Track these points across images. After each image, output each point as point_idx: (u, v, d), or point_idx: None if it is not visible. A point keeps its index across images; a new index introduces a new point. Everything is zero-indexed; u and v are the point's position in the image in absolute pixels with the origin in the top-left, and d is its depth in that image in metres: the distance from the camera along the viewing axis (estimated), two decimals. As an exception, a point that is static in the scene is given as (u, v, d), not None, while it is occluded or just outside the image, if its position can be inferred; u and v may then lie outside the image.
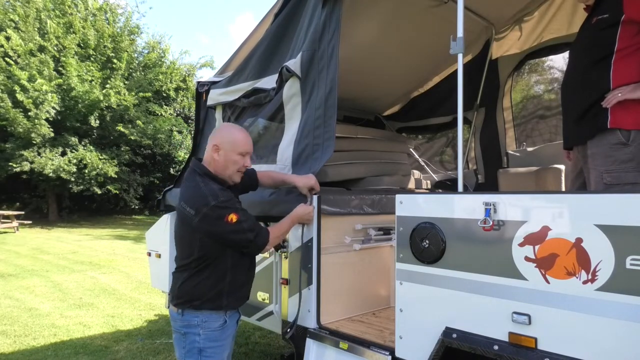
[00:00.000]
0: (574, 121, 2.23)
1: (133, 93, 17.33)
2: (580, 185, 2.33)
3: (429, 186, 4.58)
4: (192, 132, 6.98)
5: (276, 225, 2.30)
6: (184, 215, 2.00)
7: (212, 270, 2.04)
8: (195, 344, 2.03)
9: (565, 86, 2.32)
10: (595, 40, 2.10)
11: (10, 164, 14.92)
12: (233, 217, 1.94)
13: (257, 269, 2.83)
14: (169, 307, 2.24)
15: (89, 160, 15.63)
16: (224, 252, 2.05)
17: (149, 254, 3.88)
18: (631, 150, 1.98)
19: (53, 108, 15.09)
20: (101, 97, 15.99)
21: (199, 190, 1.97)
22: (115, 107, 16.75)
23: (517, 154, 4.12)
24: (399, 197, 2.00)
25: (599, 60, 2.07)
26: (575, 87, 2.23)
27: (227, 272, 2.07)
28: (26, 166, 14.83)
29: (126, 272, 8.08)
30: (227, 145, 2.07)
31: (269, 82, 2.90)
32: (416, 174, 4.50)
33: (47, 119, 14.99)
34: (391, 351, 2.04)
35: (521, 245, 1.60)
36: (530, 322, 1.57)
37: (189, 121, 20.03)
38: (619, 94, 1.97)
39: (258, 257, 2.83)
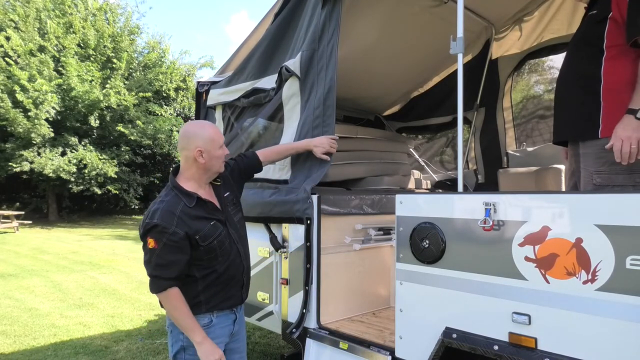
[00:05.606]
0: (566, 116, 2.22)
1: (133, 93, 17.33)
2: (574, 184, 2.33)
3: (429, 186, 4.58)
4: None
5: (185, 309, 1.91)
6: None
7: (185, 279, 1.96)
8: (180, 342, 2.00)
9: (560, 80, 2.32)
10: (586, 36, 2.12)
11: (10, 164, 14.93)
12: (151, 243, 1.89)
13: (257, 269, 2.84)
14: None
15: (88, 160, 15.64)
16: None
17: (149, 254, 3.88)
18: None
19: (53, 108, 15.09)
20: (101, 97, 15.98)
21: (154, 205, 1.96)
22: (115, 107, 16.75)
23: (517, 154, 4.11)
24: (399, 197, 2.00)
25: (590, 56, 2.07)
26: (567, 82, 2.22)
27: (197, 281, 1.99)
28: (26, 166, 14.84)
29: (126, 272, 8.08)
30: (209, 145, 2.00)
31: (268, 82, 2.90)
32: (416, 174, 4.50)
33: (47, 119, 14.99)
34: (391, 351, 2.04)
35: (521, 245, 1.60)
36: (530, 322, 1.57)
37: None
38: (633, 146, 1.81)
39: (258, 258, 2.83)
